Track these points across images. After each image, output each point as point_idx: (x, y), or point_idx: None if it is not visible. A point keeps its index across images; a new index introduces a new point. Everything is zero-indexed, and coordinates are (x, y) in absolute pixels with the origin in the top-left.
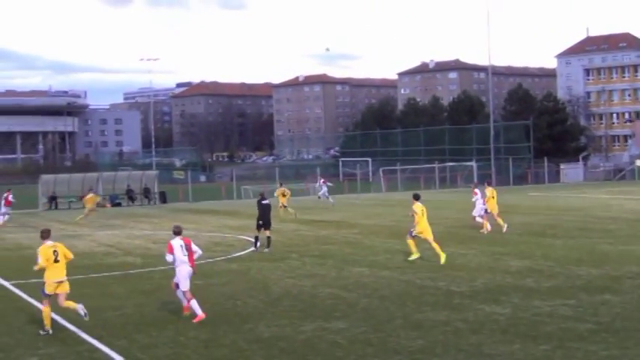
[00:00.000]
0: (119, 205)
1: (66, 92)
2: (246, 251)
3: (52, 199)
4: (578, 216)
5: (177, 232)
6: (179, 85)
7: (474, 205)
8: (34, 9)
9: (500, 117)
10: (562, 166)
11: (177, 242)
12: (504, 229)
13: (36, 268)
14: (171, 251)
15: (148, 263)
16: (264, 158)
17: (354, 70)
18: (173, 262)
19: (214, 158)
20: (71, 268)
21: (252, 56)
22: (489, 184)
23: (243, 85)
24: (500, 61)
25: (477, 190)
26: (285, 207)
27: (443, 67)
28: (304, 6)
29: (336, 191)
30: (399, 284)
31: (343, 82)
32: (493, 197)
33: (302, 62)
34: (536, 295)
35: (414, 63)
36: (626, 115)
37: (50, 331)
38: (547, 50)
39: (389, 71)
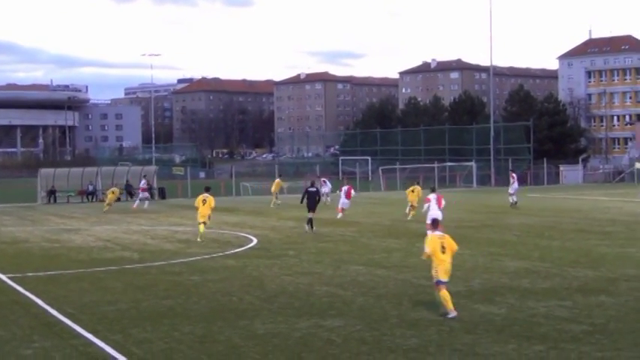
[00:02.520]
0: (118, 200)
1: (67, 87)
2: (244, 248)
3: (51, 193)
4: (577, 218)
5: None
6: (180, 81)
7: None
8: (38, 2)
9: (500, 118)
10: (561, 168)
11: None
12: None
13: None
14: None
15: (144, 258)
16: (264, 155)
17: (356, 68)
18: None
19: (214, 155)
20: (68, 262)
21: (255, 53)
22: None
23: (244, 82)
24: (502, 61)
25: (514, 175)
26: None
27: (444, 67)
28: (308, 4)
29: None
30: (395, 283)
31: (344, 80)
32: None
33: (304, 60)
34: (532, 296)
35: (415, 62)
36: (627, 118)
37: None
38: (549, 51)
39: (390, 70)
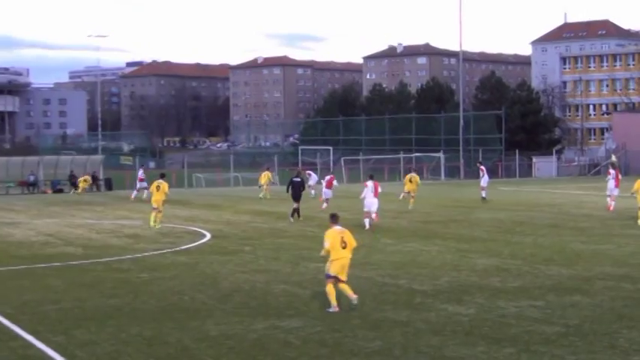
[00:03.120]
0: (61, 191)
1: (6, 69)
2: (196, 243)
3: None
4: (550, 213)
5: None
6: (129, 65)
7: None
8: None
9: (470, 106)
10: (534, 160)
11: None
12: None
13: None
14: None
15: (89, 254)
16: (219, 145)
17: (317, 52)
18: None
19: (165, 144)
20: (6, 258)
21: (209, 35)
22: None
23: (197, 66)
24: (473, 46)
25: (610, 170)
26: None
27: (411, 52)
28: None
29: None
30: (358, 281)
31: (305, 65)
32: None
33: (261, 43)
34: (503, 296)
35: (380, 46)
36: (604, 107)
37: None
38: (522, 36)
39: (354, 55)
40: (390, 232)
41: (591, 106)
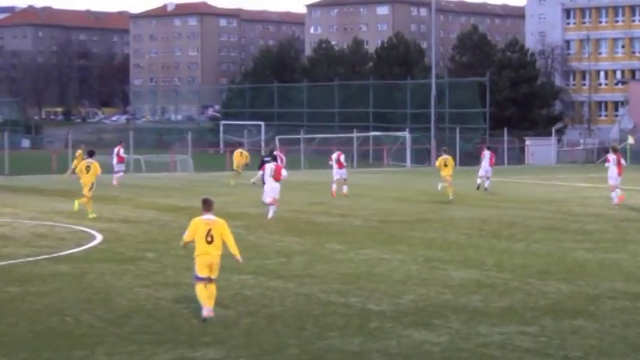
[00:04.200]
0: None
1: None
2: (83, 248)
3: None
4: (547, 211)
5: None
6: None
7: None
8: None
9: (446, 71)
10: (528, 142)
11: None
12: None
13: None
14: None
15: None
16: (115, 117)
17: None
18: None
19: (44, 115)
20: None
21: None
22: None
23: (88, 13)
24: None
25: (610, 156)
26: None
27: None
28: None
29: (211, 166)
30: (295, 299)
31: (230, 14)
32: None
33: None
34: (484, 319)
35: None
36: (618, 75)
37: None
38: None
39: (294, 2)
40: (338, 235)
41: (602, 73)
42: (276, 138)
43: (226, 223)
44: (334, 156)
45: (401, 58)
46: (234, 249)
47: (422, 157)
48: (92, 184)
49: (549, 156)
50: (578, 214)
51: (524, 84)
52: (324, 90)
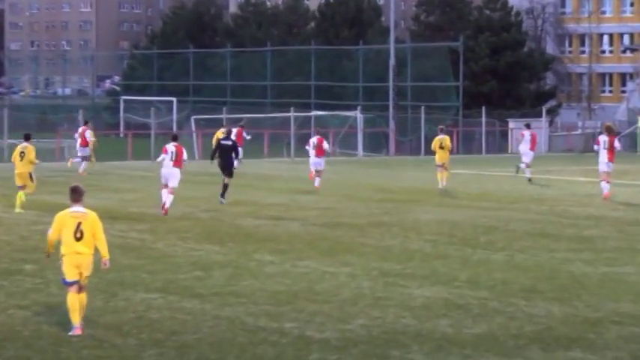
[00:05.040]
0: None
1: None
2: None
3: None
4: (536, 212)
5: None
6: None
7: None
8: None
9: (408, 34)
10: (512, 125)
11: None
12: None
13: None
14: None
15: None
16: None
17: None
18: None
19: None
20: None
21: None
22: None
23: None
24: None
25: (601, 138)
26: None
27: None
28: None
29: (110, 154)
30: (214, 324)
31: None
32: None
33: None
34: (455, 349)
35: None
36: (625, 40)
37: None
38: None
39: None
40: (270, 243)
41: (605, 38)
42: (192, 118)
43: (98, 217)
44: (313, 140)
45: (351, 17)
46: (103, 248)
47: (377, 144)
48: (30, 174)
49: (539, 143)
50: (574, 217)
51: (507, 51)
52: (253, 57)
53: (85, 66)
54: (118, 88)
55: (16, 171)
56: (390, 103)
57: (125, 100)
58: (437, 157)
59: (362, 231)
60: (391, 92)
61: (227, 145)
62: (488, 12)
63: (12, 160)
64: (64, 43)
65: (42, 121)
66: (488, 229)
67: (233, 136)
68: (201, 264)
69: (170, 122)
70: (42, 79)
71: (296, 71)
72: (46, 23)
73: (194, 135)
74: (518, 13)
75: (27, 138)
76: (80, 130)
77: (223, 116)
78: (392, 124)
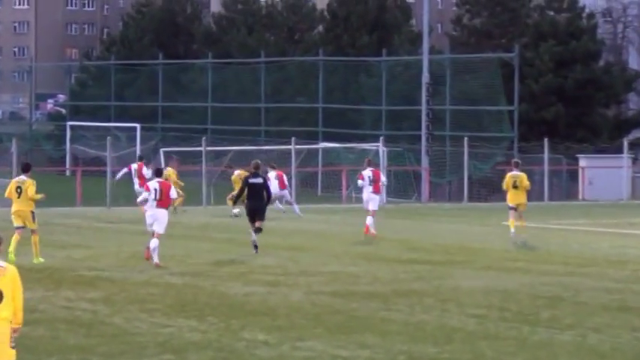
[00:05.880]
0: None
1: None
2: None
3: None
4: (615, 279)
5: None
6: None
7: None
8: None
9: (447, 41)
10: (583, 163)
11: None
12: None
13: None
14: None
15: None
16: None
17: None
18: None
19: None
20: None
21: None
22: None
23: None
24: None
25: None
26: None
27: None
28: None
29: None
30: None
31: None
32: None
33: None
34: None
35: None
36: None
37: None
38: None
39: None
40: (263, 317)
41: None
42: (161, 151)
43: (18, 273)
44: (368, 174)
45: (371, 18)
46: (19, 314)
47: (405, 187)
48: (32, 212)
49: (618, 186)
50: None
51: (576, 65)
52: (243, 71)
53: (20, 81)
54: (63, 111)
55: (13, 210)
56: (423, 132)
57: (73, 127)
58: (509, 198)
59: (385, 302)
60: (424, 118)
61: (258, 184)
62: (551, 13)
63: (6, 195)
64: None
65: None
66: (552, 300)
67: (274, 179)
68: (172, 345)
69: (131, 154)
70: None
71: (298, 90)
72: None
73: (163, 171)
74: (591, 16)
75: (25, 170)
76: (135, 167)
77: (202, 148)
78: (425, 161)
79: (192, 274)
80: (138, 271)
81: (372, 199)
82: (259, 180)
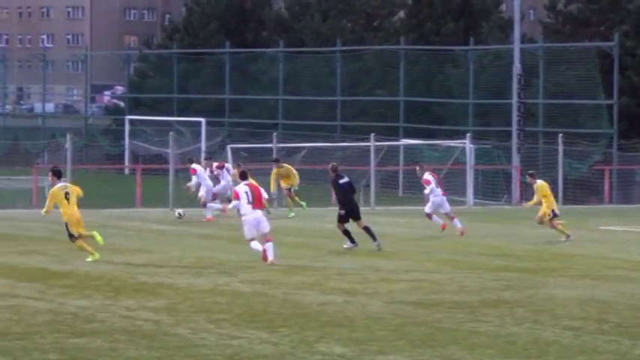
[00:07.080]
0: None
1: None
2: None
3: None
4: None
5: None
6: None
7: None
8: None
9: (540, 31)
10: None
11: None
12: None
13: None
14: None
15: None
16: None
17: None
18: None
19: None
20: None
21: None
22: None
23: None
24: None
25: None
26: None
27: None
28: None
29: (111, 197)
30: None
31: None
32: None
33: None
34: None
35: None
36: None
37: None
38: None
39: None
40: (340, 329)
41: None
42: (228, 147)
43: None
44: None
45: (457, 5)
46: None
47: (495, 187)
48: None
49: None
50: None
51: None
52: (316, 61)
53: (75, 72)
54: (121, 104)
55: (67, 216)
56: (514, 128)
57: (132, 122)
58: (546, 205)
59: (472, 313)
60: (515, 113)
61: (347, 184)
62: None
63: (54, 202)
64: (43, 37)
65: (12, 151)
66: None
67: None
68: (241, 358)
69: (197, 151)
70: (13, 90)
71: (377, 81)
72: (18, 9)
73: (229, 169)
74: None
75: (60, 175)
76: (214, 167)
77: (273, 145)
78: (516, 159)
79: (262, 281)
80: (203, 278)
81: (444, 201)
82: (346, 180)
